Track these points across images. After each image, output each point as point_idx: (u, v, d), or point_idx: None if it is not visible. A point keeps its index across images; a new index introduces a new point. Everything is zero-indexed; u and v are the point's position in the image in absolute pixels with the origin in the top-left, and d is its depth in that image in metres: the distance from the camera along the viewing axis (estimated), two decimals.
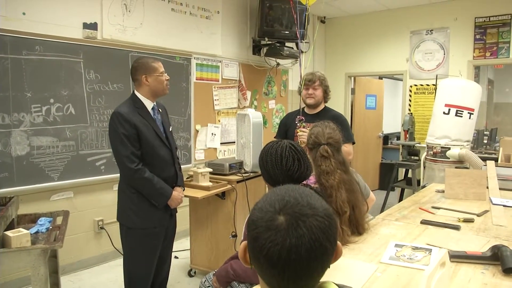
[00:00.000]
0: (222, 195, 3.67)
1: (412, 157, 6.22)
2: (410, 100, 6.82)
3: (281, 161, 1.84)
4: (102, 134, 4.09)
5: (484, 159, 4.68)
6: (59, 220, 2.82)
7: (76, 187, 4.01)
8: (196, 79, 5.16)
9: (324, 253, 0.84)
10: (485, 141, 6.37)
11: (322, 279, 0.91)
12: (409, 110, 6.78)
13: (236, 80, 5.79)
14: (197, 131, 5.22)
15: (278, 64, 6.28)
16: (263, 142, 3.88)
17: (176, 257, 4.29)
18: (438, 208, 2.77)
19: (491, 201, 2.87)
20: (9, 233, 2.29)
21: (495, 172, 3.52)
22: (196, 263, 3.95)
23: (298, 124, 3.38)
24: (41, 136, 3.69)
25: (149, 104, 2.72)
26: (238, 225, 3.64)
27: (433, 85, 6.23)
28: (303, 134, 3.19)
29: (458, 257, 1.80)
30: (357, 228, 2.17)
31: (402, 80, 7.11)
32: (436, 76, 6.12)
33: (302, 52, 4.41)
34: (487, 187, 3.14)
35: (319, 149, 2.15)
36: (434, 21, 6.49)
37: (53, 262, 2.92)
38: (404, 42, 6.80)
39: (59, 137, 3.81)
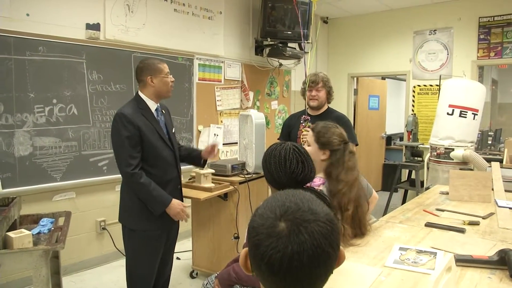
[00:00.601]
0: (224, 196, 3.65)
1: (416, 158, 6.20)
2: (413, 101, 6.80)
3: (285, 164, 1.82)
4: (105, 135, 4.09)
5: (489, 160, 4.66)
6: (61, 221, 2.81)
7: (79, 188, 4.00)
8: (199, 80, 5.15)
9: (326, 259, 0.83)
10: (489, 142, 6.34)
11: (325, 286, 0.89)
12: (413, 110, 6.76)
13: (239, 80, 5.78)
14: (200, 131, 5.21)
15: (280, 64, 6.26)
16: (266, 143, 3.87)
17: (178, 258, 4.28)
18: (443, 211, 2.74)
19: (497, 204, 2.85)
20: (11, 234, 2.28)
21: (500, 173, 3.49)
22: (198, 264, 3.93)
23: (304, 124, 3.36)
24: (43, 136, 3.68)
25: (152, 105, 2.70)
26: (240, 227, 3.63)
27: (437, 85, 6.20)
28: (307, 134, 3.17)
29: (464, 261, 1.78)
30: (360, 227, 2.15)
31: (405, 81, 7.08)
32: (440, 76, 6.09)
33: (306, 52, 4.39)
34: (492, 189, 3.12)
35: (348, 146, 2.21)
36: (437, 21, 6.47)
37: (55, 262, 2.91)
38: (407, 42, 6.78)
39: (62, 137, 3.81)
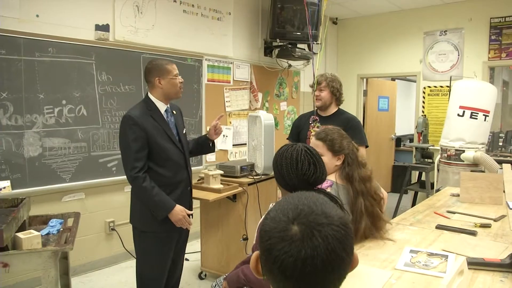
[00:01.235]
0: (233, 197, 3.64)
1: (426, 159, 6.15)
2: (423, 102, 6.74)
3: (297, 165, 1.80)
4: (114, 136, 4.10)
5: (500, 162, 4.61)
6: (70, 221, 2.82)
7: (88, 188, 4.01)
8: (208, 81, 5.15)
9: (340, 264, 0.81)
10: (500, 144, 6.27)
11: None
12: (423, 112, 6.71)
13: (248, 81, 5.77)
14: None
15: (289, 65, 6.25)
16: (275, 144, 3.85)
17: (187, 259, 4.27)
18: (454, 213, 2.71)
19: (508, 206, 2.81)
20: (20, 234, 2.28)
21: (511, 175, 3.45)
22: (207, 265, 3.93)
23: (312, 124, 3.34)
24: (53, 137, 3.70)
25: (162, 107, 2.69)
26: (249, 228, 3.61)
27: (447, 86, 6.15)
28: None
29: (476, 264, 1.75)
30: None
31: (415, 82, 7.03)
32: (450, 77, 6.04)
33: (315, 53, 4.37)
34: (504, 191, 3.08)
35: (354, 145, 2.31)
36: (448, 21, 6.41)
37: (64, 263, 2.91)
38: (417, 43, 6.73)
39: (71, 138, 3.82)
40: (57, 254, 2.30)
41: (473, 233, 2.27)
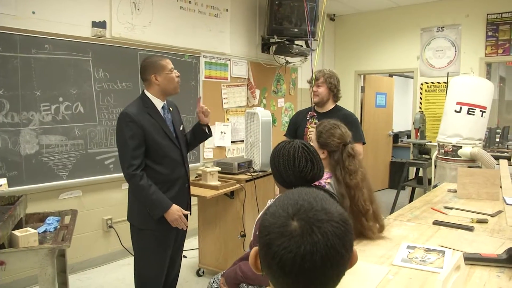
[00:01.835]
0: (231, 194, 3.65)
1: (423, 155, 6.16)
2: (421, 98, 6.75)
3: (294, 162, 1.80)
4: (111, 133, 4.09)
5: (497, 158, 4.62)
6: (67, 219, 2.81)
7: (85, 186, 4.01)
8: (205, 78, 5.14)
9: (340, 260, 0.80)
10: (497, 140, 6.29)
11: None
12: (420, 108, 6.71)
13: (245, 78, 5.77)
14: None
15: (287, 62, 6.24)
16: (272, 141, 3.85)
17: (184, 256, 4.26)
18: (451, 208, 2.72)
19: (505, 201, 2.81)
20: (16, 232, 2.28)
21: (508, 171, 3.46)
22: (205, 262, 3.93)
23: (310, 120, 3.34)
24: (50, 134, 3.69)
25: (159, 104, 2.67)
26: (246, 225, 3.62)
27: (444, 82, 6.15)
28: (313, 131, 3.14)
29: (472, 259, 1.76)
30: (378, 222, 2.14)
31: (412, 78, 7.03)
32: (447, 73, 6.04)
33: (313, 50, 4.36)
34: (501, 187, 3.08)
35: (346, 148, 2.18)
36: (445, 18, 6.41)
37: (61, 261, 2.91)
38: (414, 39, 6.73)
39: (68, 135, 3.81)
40: (54, 252, 2.29)
41: (470, 229, 2.27)
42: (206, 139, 3.12)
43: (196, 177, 3.80)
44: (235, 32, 5.59)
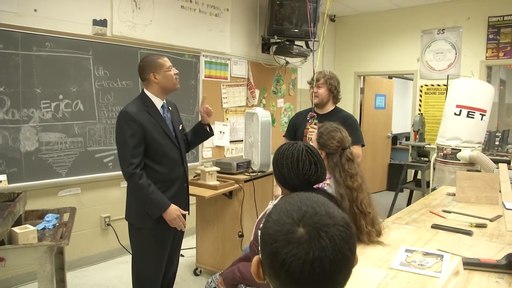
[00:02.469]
0: (229, 194, 3.64)
1: (422, 158, 6.16)
2: (420, 100, 6.76)
3: (298, 165, 1.80)
4: (110, 131, 4.09)
5: (496, 162, 4.62)
6: (66, 216, 2.81)
7: (84, 183, 4.01)
8: (205, 77, 5.14)
9: (347, 264, 0.81)
10: (497, 143, 6.29)
11: None
12: (419, 110, 6.72)
13: (245, 78, 5.77)
14: None
15: (287, 62, 6.24)
16: (272, 141, 3.85)
17: (182, 255, 4.27)
18: (449, 212, 2.73)
19: (504, 206, 2.82)
20: (16, 229, 2.28)
21: (508, 175, 3.47)
22: (202, 262, 3.93)
23: (310, 121, 3.34)
24: (49, 132, 3.69)
25: (158, 102, 2.67)
26: (245, 225, 3.62)
27: (444, 85, 6.16)
28: (313, 131, 3.14)
29: (471, 264, 1.76)
30: (374, 227, 2.15)
31: (412, 80, 7.04)
32: (448, 76, 6.04)
33: (313, 50, 4.36)
34: (500, 191, 3.09)
35: (345, 152, 2.21)
36: (446, 20, 6.42)
37: (60, 258, 2.91)
38: (415, 41, 6.74)
39: (68, 133, 3.81)
40: (53, 249, 2.29)
41: (468, 233, 2.28)
42: (207, 138, 3.12)
43: (194, 176, 3.80)
44: (236, 32, 5.58)
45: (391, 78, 8.79)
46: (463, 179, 3.09)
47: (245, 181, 3.66)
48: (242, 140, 5.02)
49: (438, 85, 6.53)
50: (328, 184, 2.15)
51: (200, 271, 4.00)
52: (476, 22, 6.16)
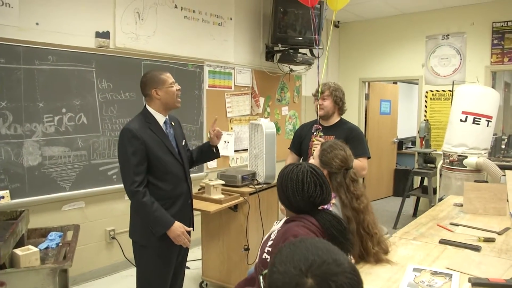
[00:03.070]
0: (235, 207, 3.61)
1: (428, 164, 6.12)
2: (426, 106, 6.71)
3: (303, 188, 1.76)
4: (114, 143, 4.07)
5: (502, 168, 4.58)
6: (69, 234, 2.79)
7: (88, 197, 3.98)
8: (209, 87, 5.12)
9: None
10: (503, 147, 6.22)
11: None
12: (425, 116, 6.67)
13: (249, 86, 5.74)
14: None
15: (291, 70, 6.22)
16: (277, 151, 3.82)
17: (187, 267, 4.24)
18: (457, 225, 2.68)
19: None
20: (18, 251, 2.26)
21: None
22: (208, 275, 3.89)
23: (315, 133, 3.31)
24: (53, 146, 3.67)
25: (161, 119, 2.65)
26: (250, 238, 3.58)
27: (450, 91, 6.11)
28: (318, 144, 3.11)
29: (480, 285, 1.72)
30: (381, 246, 2.11)
31: (417, 84, 7.00)
32: (453, 82, 6.00)
33: (318, 57, 4.33)
34: (507, 200, 3.05)
35: (349, 173, 2.15)
36: (450, 25, 6.38)
37: (63, 276, 2.89)
38: (419, 47, 6.70)
39: (71, 146, 3.80)
40: (56, 271, 2.27)
41: (477, 249, 2.24)
42: (213, 159, 3.11)
43: (199, 190, 3.77)
44: (239, 41, 5.57)
45: (396, 83, 8.75)
46: (471, 190, 3.06)
47: (250, 194, 3.63)
48: (247, 149, 5.00)
49: (444, 90, 6.48)
50: (334, 204, 2.11)
51: (206, 285, 3.97)
52: (481, 27, 6.12)
